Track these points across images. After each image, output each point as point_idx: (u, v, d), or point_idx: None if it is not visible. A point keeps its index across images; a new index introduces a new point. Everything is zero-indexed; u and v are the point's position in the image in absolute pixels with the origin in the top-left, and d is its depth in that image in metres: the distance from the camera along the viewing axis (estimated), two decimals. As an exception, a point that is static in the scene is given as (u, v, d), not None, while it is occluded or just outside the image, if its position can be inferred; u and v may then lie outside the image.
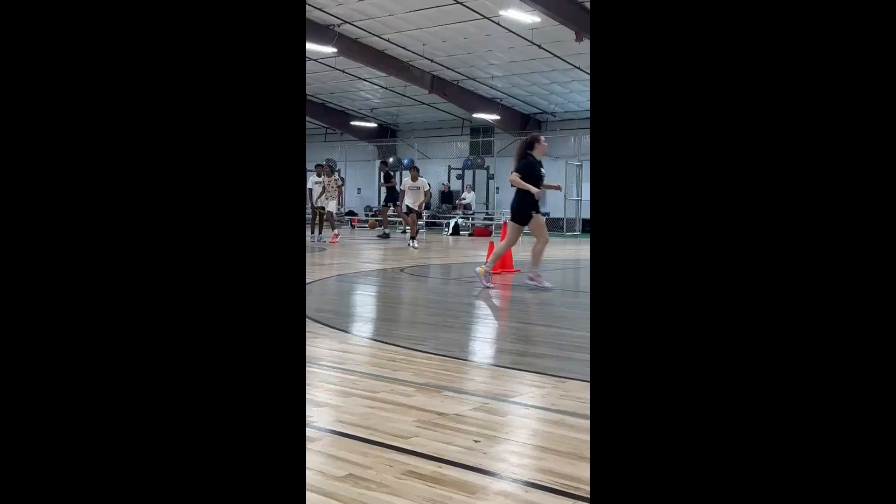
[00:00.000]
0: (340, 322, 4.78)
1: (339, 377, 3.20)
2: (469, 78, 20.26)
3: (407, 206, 13.96)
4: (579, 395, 2.93)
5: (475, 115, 22.10)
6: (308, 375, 2.92)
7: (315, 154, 24.15)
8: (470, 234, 19.87)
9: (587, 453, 2.21)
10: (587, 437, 2.37)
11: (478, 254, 11.08)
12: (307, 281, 6.62)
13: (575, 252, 13.36)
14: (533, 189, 6.66)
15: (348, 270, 8.50)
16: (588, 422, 2.53)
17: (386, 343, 4.05)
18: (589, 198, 20.65)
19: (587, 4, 14.24)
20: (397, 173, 25.06)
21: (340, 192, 15.17)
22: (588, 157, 20.82)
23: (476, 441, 2.32)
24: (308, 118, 23.85)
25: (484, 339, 4.67)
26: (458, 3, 14.76)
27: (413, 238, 13.31)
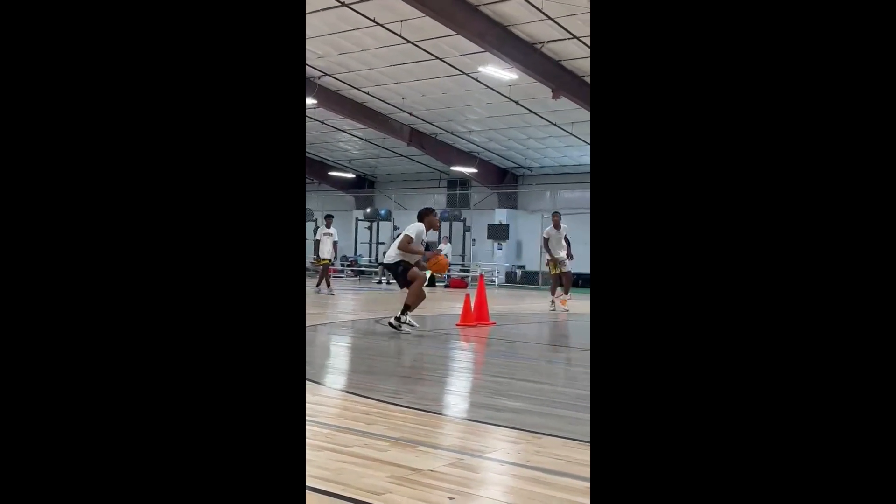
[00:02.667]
0: (313, 374, 4.71)
1: (311, 430, 3.14)
2: (447, 132, 20.54)
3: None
4: (555, 451, 2.89)
5: (453, 168, 22.33)
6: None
7: (292, 203, 24.05)
8: (445, 286, 19.88)
9: (563, 512, 2.18)
10: (563, 495, 2.33)
11: (454, 306, 11.06)
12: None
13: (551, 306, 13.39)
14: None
15: (323, 321, 8.43)
16: (564, 479, 2.50)
17: (359, 396, 4.00)
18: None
19: (564, 63, 14.59)
20: (373, 224, 25.14)
21: None
22: (564, 212, 21.05)
23: (451, 498, 2.28)
24: (286, 167, 23.78)
25: (459, 393, 4.62)
26: (437, 58, 15.05)
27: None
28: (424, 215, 7.56)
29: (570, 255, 11.62)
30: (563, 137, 19.50)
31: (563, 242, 11.66)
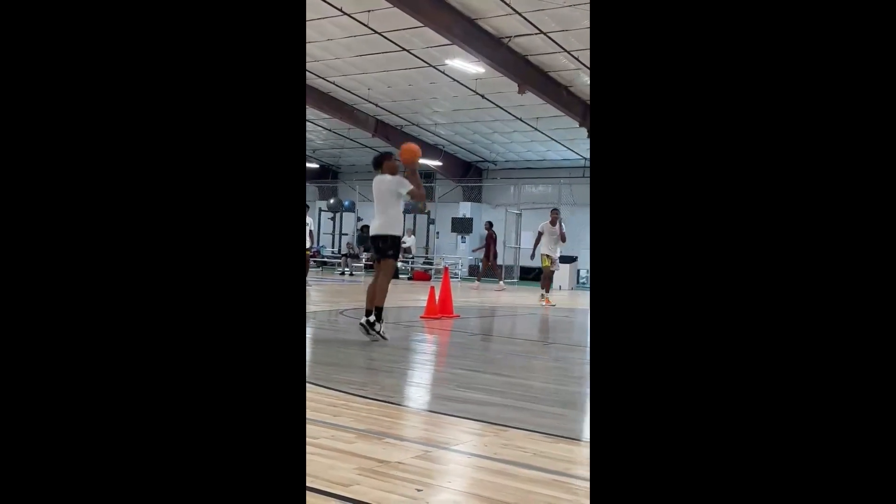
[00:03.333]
0: (278, 365, 4.67)
1: (277, 422, 3.12)
2: (412, 123, 20.48)
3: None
4: (521, 444, 2.92)
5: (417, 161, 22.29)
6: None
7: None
8: (409, 278, 19.86)
9: (530, 503, 2.21)
10: (529, 487, 2.36)
11: (417, 297, 11.07)
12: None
13: (512, 299, 13.48)
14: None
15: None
16: (530, 471, 2.53)
17: (325, 387, 3.99)
18: (525, 246, 20.92)
19: (530, 58, 14.64)
20: (336, 215, 24.97)
21: None
22: (527, 207, 21.16)
23: (418, 490, 2.29)
24: (249, 156, 23.44)
25: (424, 385, 4.63)
26: (404, 50, 14.99)
27: None
28: (382, 161, 6.20)
29: (563, 238, 11.80)
30: (527, 132, 19.59)
31: (559, 240, 11.80)
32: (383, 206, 6.07)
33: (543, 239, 11.81)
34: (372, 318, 6.08)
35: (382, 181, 6.06)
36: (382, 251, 6.08)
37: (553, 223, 11.79)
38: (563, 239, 11.87)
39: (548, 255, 11.72)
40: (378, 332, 6.08)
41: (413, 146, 6.46)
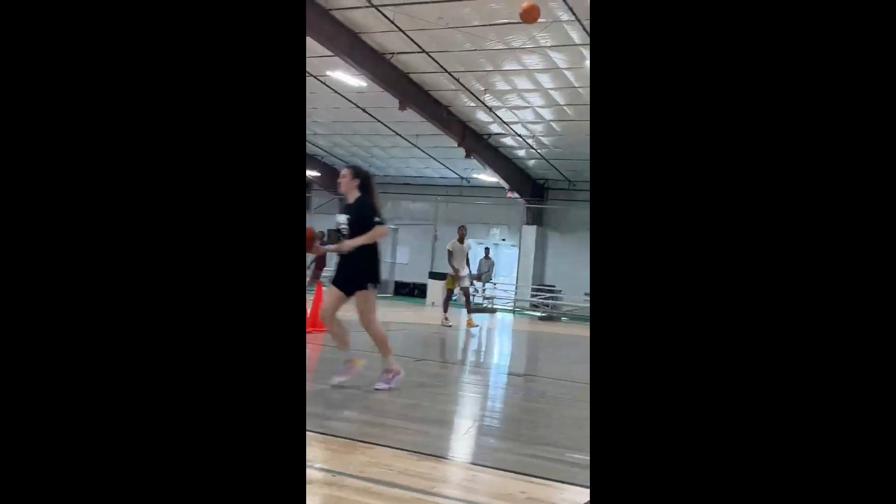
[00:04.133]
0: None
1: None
2: (291, 133, 20.16)
3: None
4: (387, 461, 2.92)
5: (294, 171, 21.93)
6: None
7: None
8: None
9: (392, 522, 2.20)
10: (393, 506, 2.36)
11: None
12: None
13: (385, 315, 13.46)
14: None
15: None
16: (394, 490, 2.54)
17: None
18: (401, 261, 20.99)
19: (412, 76, 14.78)
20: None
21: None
22: (403, 222, 21.26)
23: (279, 510, 2.24)
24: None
25: (291, 401, 4.54)
26: (285, 58, 14.76)
27: None
28: None
29: (467, 264, 11.41)
30: (407, 149, 19.71)
31: (467, 256, 11.29)
32: None
33: (454, 257, 11.16)
34: None
35: None
36: None
37: (461, 240, 11.27)
38: (467, 257, 11.54)
39: (455, 275, 11.24)
40: None
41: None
